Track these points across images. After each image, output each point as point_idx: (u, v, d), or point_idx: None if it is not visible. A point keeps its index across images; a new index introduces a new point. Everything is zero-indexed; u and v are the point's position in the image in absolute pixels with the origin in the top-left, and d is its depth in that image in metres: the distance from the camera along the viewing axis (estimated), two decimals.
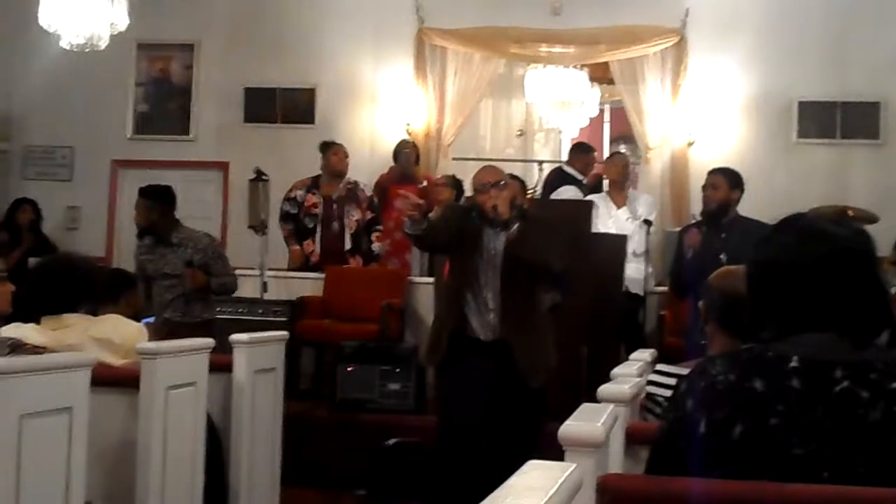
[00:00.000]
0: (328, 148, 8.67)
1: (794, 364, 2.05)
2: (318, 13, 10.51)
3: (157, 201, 6.75)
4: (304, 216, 8.49)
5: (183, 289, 6.60)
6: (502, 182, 5.28)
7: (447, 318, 5.35)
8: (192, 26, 10.77)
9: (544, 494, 1.42)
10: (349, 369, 7.19)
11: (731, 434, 2.04)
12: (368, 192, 8.63)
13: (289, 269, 8.63)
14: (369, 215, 8.53)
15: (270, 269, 8.07)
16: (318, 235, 8.47)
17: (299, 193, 8.53)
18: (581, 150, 9.27)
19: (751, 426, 2.03)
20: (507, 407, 5.23)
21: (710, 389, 2.11)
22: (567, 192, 8.36)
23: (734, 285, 3.52)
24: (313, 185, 8.56)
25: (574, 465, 1.61)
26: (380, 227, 8.57)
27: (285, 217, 8.56)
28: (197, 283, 6.57)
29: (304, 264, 8.56)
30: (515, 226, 5.25)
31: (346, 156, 8.66)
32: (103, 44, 7.73)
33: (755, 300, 2.24)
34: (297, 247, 8.54)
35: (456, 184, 8.71)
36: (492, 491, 1.43)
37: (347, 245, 8.50)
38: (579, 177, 8.86)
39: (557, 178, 8.94)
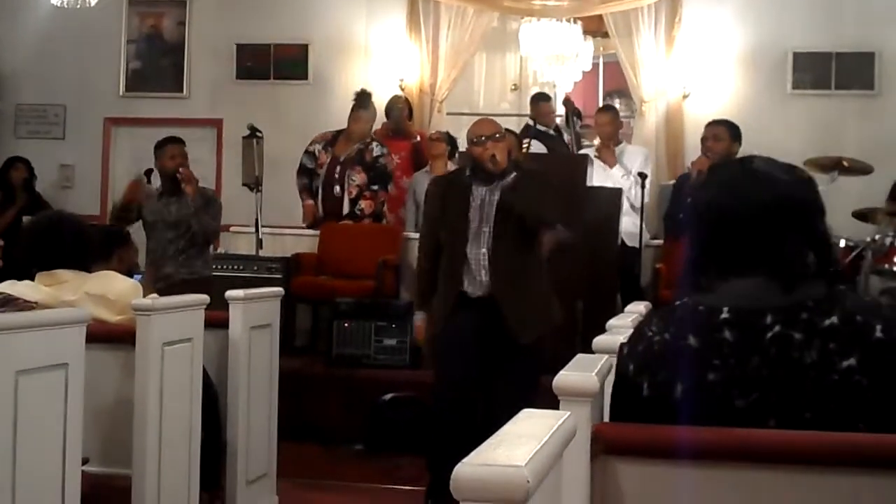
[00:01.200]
0: (357, 104, 8.49)
1: (724, 315, 2.04)
2: None
3: (184, 148, 6.93)
4: (315, 173, 8.42)
5: (184, 242, 6.68)
6: (498, 134, 5.27)
7: (452, 280, 5.33)
8: None
9: (537, 442, 1.43)
10: (345, 325, 7.20)
11: (674, 394, 2.04)
12: (376, 152, 8.38)
13: (304, 225, 8.55)
14: (371, 174, 8.32)
15: (265, 226, 8.06)
16: (319, 197, 8.40)
17: (317, 147, 8.45)
18: (535, 101, 9.28)
19: (691, 384, 2.03)
20: (498, 363, 5.23)
21: (649, 351, 2.10)
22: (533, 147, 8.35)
23: None
24: (332, 140, 8.46)
25: (568, 414, 1.62)
26: (375, 188, 8.42)
27: (301, 170, 8.48)
28: (189, 178, 6.70)
29: (315, 221, 8.48)
30: (511, 176, 5.24)
31: (365, 119, 8.48)
32: (94, 0, 7.67)
33: (693, 244, 2.22)
34: (311, 201, 8.47)
35: (450, 140, 8.68)
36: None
37: (346, 209, 8.39)
38: (542, 128, 8.86)
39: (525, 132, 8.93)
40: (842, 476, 1.90)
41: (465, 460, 1.35)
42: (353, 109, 8.48)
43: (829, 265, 2.13)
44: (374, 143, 8.43)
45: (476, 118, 5.84)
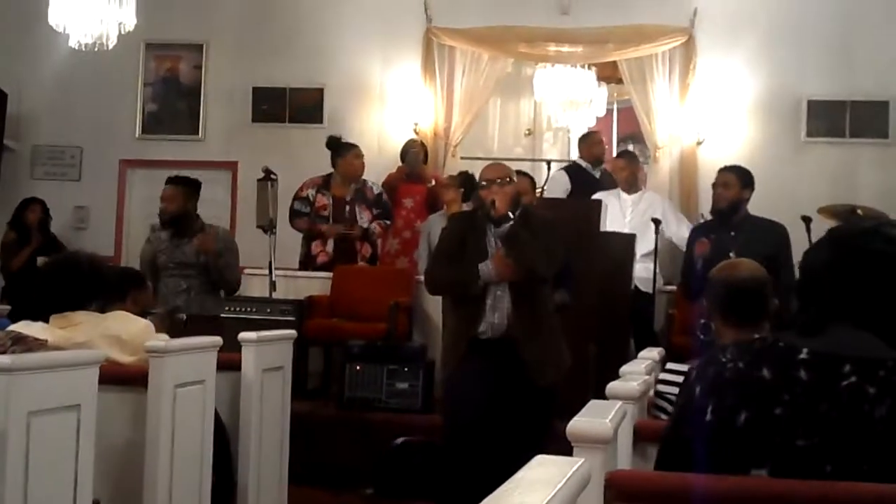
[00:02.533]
0: (342, 150, 8.53)
1: (803, 356, 2.05)
2: (327, 13, 10.51)
3: (191, 189, 6.99)
4: (314, 217, 8.45)
5: (195, 280, 6.71)
6: (506, 179, 5.27)
7: (465, 321, 5.32)
8: (200, 26, 10.78)
9: (552, 488, 1.42)
10: (357, 368, 7.18)
11: (737, 421, 2.04)
12: (377, 190, 8.56)
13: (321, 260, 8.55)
14: (376, 212, 8.46)
15: (279, 269, 8.06)
16: (330, 239, 8.41)
17: (310, 192, 8.49)
18: (584, 140, 9.32)
19: (756, 414, 2.03)
20: (513, 405, 5.20)
21: (719, 376, 2.11)
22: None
23: (735, 275, 3.54)
24: (324, 184, 8.52)
25: (582, 460, 1.61)
26: (387, 221, 8.49)
27: (296, 215, 8.50)
28: (208, 245, 6.73)
29: (309, 264, 8.51)
30: (506, 225, 5.22)
31: (360, 157, 8.54)
32: (112, 43, 7.75)
33: (810, 287, 2.21)
34: (318, 242, 8.45)
35: (467, 181, 8.69)
36: (497, 487, 1.43)
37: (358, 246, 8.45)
38: (592, 171, 8.91)
39: (575, 174, 8.98)
40: None
41: None
42: (338, 153, 8.53)
43: None
44: (371, 183, 8.59)
45: (490, 163, 5.86)
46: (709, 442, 2.05)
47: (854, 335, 2.06)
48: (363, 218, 8.41)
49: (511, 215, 5.20)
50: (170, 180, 7.07)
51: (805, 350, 2.05)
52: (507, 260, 5.11)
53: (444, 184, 8.58)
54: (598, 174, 9.06)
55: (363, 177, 8.61)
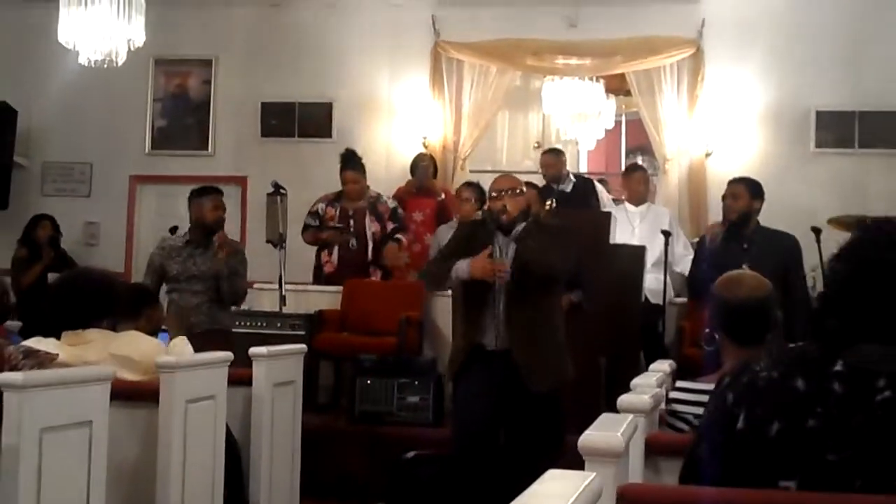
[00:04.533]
0: (342, 165, 8.56)
1: (838, 368, 2.03)
2: (335, 28, 10.54)
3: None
4: (323, 229, 8.46)
5: (207, 294, 6.72)
6: (517, 190, 5.37)
7: (469, 332, 5.34)
8: (209, 42, 10.82)
9: (564, 503, 1.42)
10: (367, 382, 7.18)
11: (769, 431, 2.02)
12: (391, 205, 8.55)
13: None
14: (391, 226, 8.46)
15: (289, 283, 8.07)
16: (335, 247, 8.44)
17: (321, 206, 8.51)
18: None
19: (788, 425, 2.01)
20: (515, 414, 5.23)
21: (752, 385, 2.09)
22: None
23: (736, 296, 3.45)
24: (335, 198, 8.54)
25: (593, 475, 1.61)
26: (400, 237, 8.50)
27: (306, 228, 8.52)
28: (225, 246, 6.81)
29: (319, 276, 8.53)
30: (520, 227, 5.32)
31: (357, 181, 8.48)
32: (121, 59, 7.77)
33: (833, 298, 2.19)
34: (325, 252, 8.49)
35: (479, 192, 8.69)
36: (509, 500, 1.43)
37: (370, 257, 8.45)
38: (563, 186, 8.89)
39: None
40: None
41: None
42: (341, 171, 8.54)
43: None
44: (384, 198, 8.58)
45: (500, 174, 5.89)
46: (739, 450, 2.04)
47: (885, 350, 2.04)
48: (371, 229, 8.40)
49: (521, 221, 5.29)
50: (211, 189, 7.11)
51: (840, 363, 2.03)
52: (488, 260, 5.13)
53: (463, 195, 8.56)
54: (568, 188, 8.90)
55: (377, 192, 8.60)
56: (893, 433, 1.97)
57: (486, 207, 5.68)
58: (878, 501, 1.92)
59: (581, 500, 1.48)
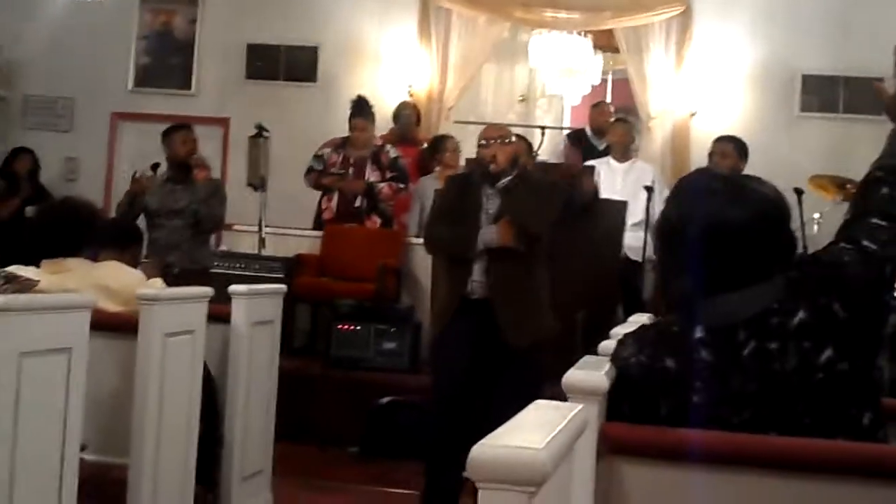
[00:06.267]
0: (354, 116, 8.45)
1: (698, 335, 2.01)
2: None
3: (194, 135, 7.11)
4: (326, 174, 8.39)
5: (186, 232, 6.74)
6: (506, 138, 5.35)
7: (455, 285, 5.33)
8: None
9: (553, 428, 1.42)
10: (345, 327, 7.19)
11: (659, 414, 2.02)
12: (393, 154, 8.41)
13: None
14: (390, 174, 8.33)
15: (268, 226, 8.05)
16: (335, 194, 8.37)
17: (326, 151, 8.41)
18: (594, 108, 9.54)
19: (676, 404, 2.01)
20: (495, 370, 5.22)
21: (625, 373, 2.09)
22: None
23: None
24: (342, 144, 8.46)
25: (580, 406, 1.61)
26: (401, 185, 8.40)
27: (308, 171, 8.43)
28: (203, 164, 6.96)
29: (318, 222, 8.49)
30: (508, 178, 5.29)
31: (364, 129, 8.38)
32: None
33: (665, 257, 2.18)
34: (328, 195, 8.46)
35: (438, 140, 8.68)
36: None
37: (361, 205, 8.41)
38: (597, 142, 8.96)
39: (577, 141, 9.14)
40: (847, 484, 1.90)
41: (482, 442, 1.34)
42: (350, 117, 8.46)
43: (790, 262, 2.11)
44: (388, 147, 8.47)
45: (483, 128, 5.87)
46: None
47: (738, 297, 2.03)
48: (371, 178, 8.34)
49: (509, 172, 5.27)
50: (181, 126, 7.15)
51: (699, 328, 2.02)
52: (510, 226, 5.13)
53: (448, 145, 8.51)
54: (601, 146, 9.05)
55: (383, 142, 8.54)
56: (775, 379, 1.97)
57: (475, 154, 5.64)
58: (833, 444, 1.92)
59: (569, 429, 1.48)
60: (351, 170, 8.30)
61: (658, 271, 2.17)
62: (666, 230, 2.16)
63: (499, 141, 5.29)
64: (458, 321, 5.28)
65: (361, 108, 8.48)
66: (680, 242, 2.11)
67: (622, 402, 2.08)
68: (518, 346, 5.16)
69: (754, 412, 1.98)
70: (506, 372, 5.19)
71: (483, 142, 5.33)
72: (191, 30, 10.77)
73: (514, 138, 5.49)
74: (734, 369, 1.98)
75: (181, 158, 6.97)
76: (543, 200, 5.31)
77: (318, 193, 8.51)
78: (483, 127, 5.91)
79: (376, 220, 8.44)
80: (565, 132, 9.56)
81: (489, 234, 5.20)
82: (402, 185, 8.42)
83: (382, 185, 8.31)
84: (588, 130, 9.37)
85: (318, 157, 8.45)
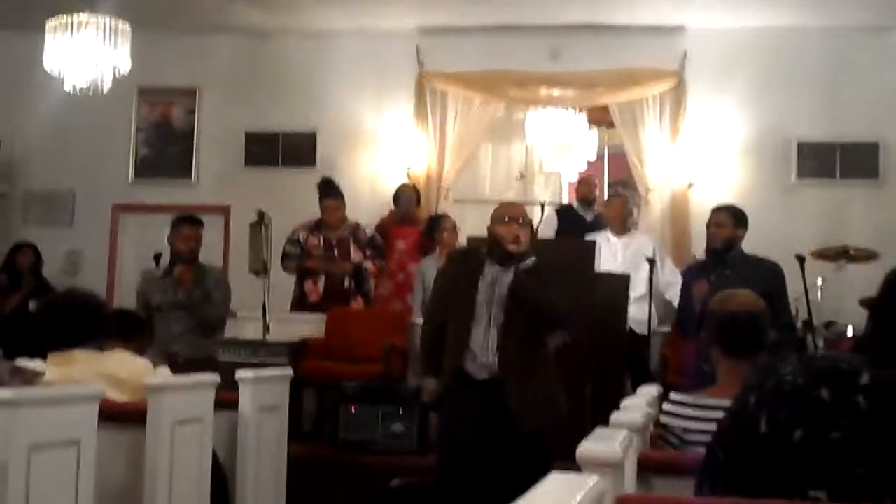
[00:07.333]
0: (322, 194, 8.58)
1: (864, 381, 2.00)
2: (320, 58, 10.57)
3: (200, 230, 7.13)
4: (306, 258, 8.45)
5: (191, 322, 6.73)
6: (524, 218, 5.29)
7: (454, 359, 5.30)
8: (193, 72, 10.83)
9: (569, 502, 1.41)
10: (352, 410, 7.15)
11: (792, 437, 1.99)
12: (369, 233, 8.59)
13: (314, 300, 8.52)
14: (368, 252, 8.47)
15: (272, 311, 8.04)
16: (321, 276, 8.41)
17: (301, 235, 8.50)
18: (577, 182, 9.73)
19: (811, 434, 1.98)
20: (499, 449, 5.14)
21: (776, 389, 2.06)
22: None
23: (730, 307, 3.57)
24: (316, 227, 8.54)
25: (597, 477, 1.60)
26: (381, 262, 8.54)
27: (288, 257, 8.49)
28: (185, 279, 6.87)
29: (302, 305, 8.51)
30: (531, 260, 5.21)
31: (338, 209, 8.51)
32: (106, 87, 7.78)
33: (877, 318, 2.19)
34: (310, 281, 8.45)
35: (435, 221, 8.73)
36: None
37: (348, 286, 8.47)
38: (584, 213, 9.04)
39: (565, 214, 9.21)
40: None
41: None
42: (321, 199, 8.54)
43: None
44: (363, 226, 8.63)
45: (482, 206, 5.87)
46: (761, 455, 2.01)
47: None
48: (356, 258, 8.41)
49: (530, 254, 5.21)
50: (190, 219, 7.13)
51: (866, 376, 2.01)
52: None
53: (445, 224, 8.55)
54: (589, 217, 9.12)
55: (356, 221, 8.64)
56: None
57: (474, 240, 5.62)
58: None
59: (585, 501, 1.47)
60: (335, 251, 8.35)
61: (872, 309, 2.18)
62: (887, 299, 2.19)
63: (521, 221, 5.22)
64: (462, 400, 5.23)
65: (331, 188, 8.58)
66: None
67: (762, 415, 2.05)
68: (526, 430, 5.11)
69: (882, 471, 1.94)
70: (512, 455, 5.10)
71: (507, 218, 5.22)
72: (189, 120, 10.88)
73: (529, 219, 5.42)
74: (884, 425, 1.96)
75: (179, 253, 7.01)
76: (560, 279, 5.27)
77: (292, 278, 8.56)
78: (487, 206, 5.89)
79: (360, 301, 8.47)
80: (551, 205, 9.61)
81: (430, 386, 5.51)
82: (383, 262, 8.55)
83: (368, 264, 8.38)
84: (575, 203, 9.42)
85: (293, 241, 8.50)
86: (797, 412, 2.01)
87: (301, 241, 8.48)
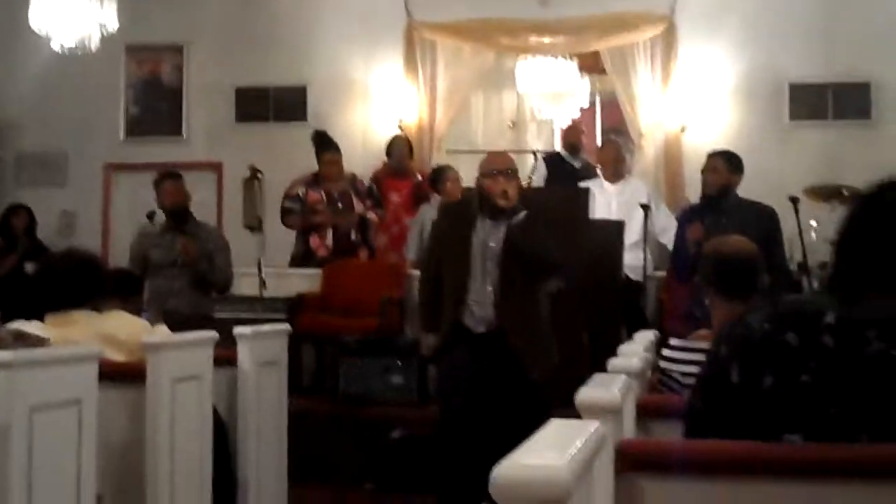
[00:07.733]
0: (320, 149, 8.56)
1: (828, 320, 2.01)
2: (308, 11, 10.50)
3: (182, 183, 7.11)
4: (308, 213, 8.41)
5: (190, 278, 6.74)
6: (512, 170, 5.25)
7: (447, 312, 5.31)
8: (181, 28, 10.74)
9: (573, 446, 1.43)
10: (351, 363, 7.17)
11: (762, 384, 2.01)
12: (367, 183, 8.61)
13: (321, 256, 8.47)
14: (369, 203, 8.47)
15: (268, 267, 8.05)
16: (328, 231, 8.38)
17: (300, 190, 8.44)
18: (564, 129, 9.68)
19: (781, 379, 2.00)
20: (505, 398, 5.16)
21: (744, 338, 2.08)
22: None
23: (724, 250, 3.61)
24: (314, 181, 8.48)
25: (597, 423, 1.61)
26: (381, 211, 8.59)
27: (288, 213, 8.45)
28: (190, 254, 6.77)
29: (308, 260, 8.50)
30: (523, 213, 5.17)
31: (337, 162, 8.50)
32: (94, 45, 7.73)
33: (841, 255, 2.19)
34: (316, 237, 8.44)
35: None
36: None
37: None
38: (572, 160, 9.02)
39: (552, 162, 9.23)
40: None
41: (503, 462, 1.34)
42: (318, 153, 8.50)
43: None
44: (359, 176, 8.65)
45: (475, 156, 5.84)
46: (734, 403, 2.03)
47: (880, 300, 2.03)
48: (359, 209, 8.41)
49: (520, 209, 5.17)
50: (168, 175, 7.12)
51: (830, 315, 2.02)
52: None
53: (449, 174, 8.51)
54: (577, 164, 9.10)
55: (351, 172, 8.63)
56: (888, 385, 1.95)
57: (467, 190, 5.61)
58: (875, 451, 1.91)
59: (588, 446, 1.48)
60: (339, 204, 8.33)
61: (836, 246, 2.17)
62: (844, 234, 2.18)
63: (508, 173, 5.17)
64: (461, 353, 5.25)
65: (327, 141, 8.56)
66: (870, 237, 2.12)
67: (733, 365, 2.06)
68: (534, 378, 5.13)
69: (853, 408, 1.96)
70: (517, 403, 5.12)
71: (493, 171, 5.18)
72: (178, 77, 10.81)
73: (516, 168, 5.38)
74: (852, 363, 1.97)
75: (167, 209, 7.01)
76: (553, 229, 5.26)
77: (290, 233, 8.54)
78: (480, 156, 5.84)
79: (366, 251, 8.48)
80: (539, 154, 9.59)
81: (426, 343, 5.59)
82: (383, 212, 8.62)
83: (371, 214, 8.38)
84: (562, 151, 9.39)
85: (292, 197, 8.43)
86: (766, 359, 2.02)
87: (301, 196, 8.41)
